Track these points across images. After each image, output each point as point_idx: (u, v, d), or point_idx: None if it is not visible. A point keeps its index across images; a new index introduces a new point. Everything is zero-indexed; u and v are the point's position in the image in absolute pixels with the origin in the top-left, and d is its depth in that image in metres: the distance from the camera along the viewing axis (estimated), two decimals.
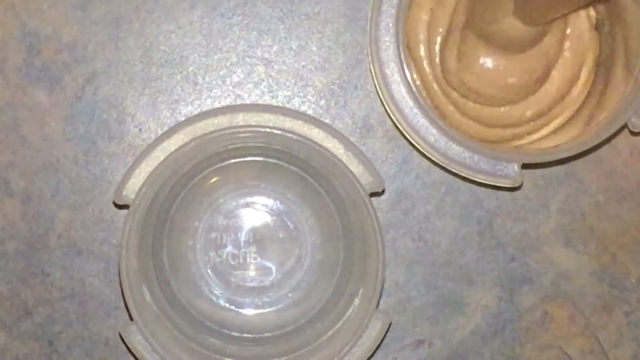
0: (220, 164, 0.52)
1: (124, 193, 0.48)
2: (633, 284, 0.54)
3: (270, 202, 0.53)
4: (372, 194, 0.49)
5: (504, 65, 0.50)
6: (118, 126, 0.53)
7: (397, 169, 0.53)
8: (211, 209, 0.52)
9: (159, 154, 0.48)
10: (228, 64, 0.53)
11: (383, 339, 0.49)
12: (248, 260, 0.53)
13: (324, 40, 0.53)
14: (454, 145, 0.50)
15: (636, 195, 0.54)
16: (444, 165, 0.50)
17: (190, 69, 0.53)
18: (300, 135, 0.49)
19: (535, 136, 0.52)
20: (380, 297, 0.49)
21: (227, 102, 0.53)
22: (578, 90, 0.52)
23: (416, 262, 0.53)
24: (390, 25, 0.49)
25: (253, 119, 0.49)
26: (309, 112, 0.53)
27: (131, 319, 0.49)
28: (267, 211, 0.53)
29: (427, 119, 0.50)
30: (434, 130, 0.50)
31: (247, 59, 0.53)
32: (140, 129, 0.53)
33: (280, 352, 0.51)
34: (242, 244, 0.52)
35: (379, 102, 0.53)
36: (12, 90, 0.53)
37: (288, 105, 0.53)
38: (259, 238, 0.52)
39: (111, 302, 0.53)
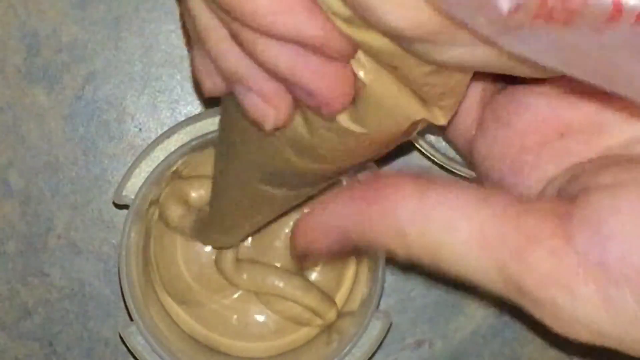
0: None
1: (124, 193, 0.48)
2: None
3: None
4: None
5: None
6: (118, 126, 0.53)
7: (397, 169, 0.53)
8: None
9: (159, 154, 0.48)
10: None
11: (383, 339, 0.49)
12: None
13: None
14: None
15: None
16: (444, 165, 0.50)
17: (190, 68, 0.53)
18: None
19: None
20: (380, 297, 0.49)
21: None
22: None
23: None
24: None
25: None
26: None
27: (131, 319, 0.49)
28: None
29: None
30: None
31: None
32: (140, 129, 0.53)
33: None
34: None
35: None
36: (12, 90, 0.53)
37: None
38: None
39: (111, 302, 0.53)
